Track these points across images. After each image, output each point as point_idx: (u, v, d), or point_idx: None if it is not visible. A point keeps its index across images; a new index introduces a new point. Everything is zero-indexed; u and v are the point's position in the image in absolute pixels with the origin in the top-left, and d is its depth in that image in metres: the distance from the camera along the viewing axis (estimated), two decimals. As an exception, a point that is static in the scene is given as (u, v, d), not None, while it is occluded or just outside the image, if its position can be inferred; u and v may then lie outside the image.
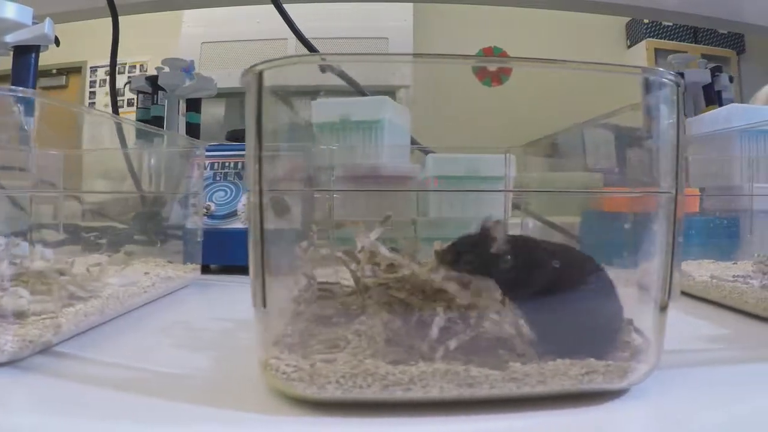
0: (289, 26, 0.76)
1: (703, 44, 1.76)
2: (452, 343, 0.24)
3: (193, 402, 0.24)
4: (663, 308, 0.26)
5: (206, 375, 0.27)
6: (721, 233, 0.62)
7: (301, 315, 0.28)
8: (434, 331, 0.24)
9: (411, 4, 1.78)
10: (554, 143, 0.52)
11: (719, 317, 0.41)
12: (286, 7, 1.69)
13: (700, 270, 0.53)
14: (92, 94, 1.83)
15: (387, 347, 0.24)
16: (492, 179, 0.53)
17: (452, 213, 0.56)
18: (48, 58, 2.04)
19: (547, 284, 0.25)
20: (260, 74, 0.25)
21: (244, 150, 0.63)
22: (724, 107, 0.72)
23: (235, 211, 0.66)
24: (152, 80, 1.04)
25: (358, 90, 0.72)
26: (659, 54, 1.75)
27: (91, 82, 1.83)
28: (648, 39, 1.76)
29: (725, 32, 1.72)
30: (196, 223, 0.65)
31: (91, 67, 1.84)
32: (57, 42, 0.83)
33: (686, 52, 1.76)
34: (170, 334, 0.39)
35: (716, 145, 0.74)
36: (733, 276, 0.44)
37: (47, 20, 0.77)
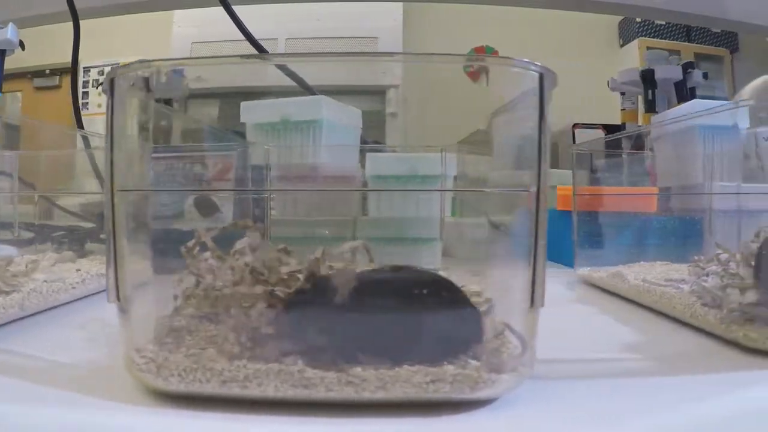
0: (237, 25, 0.76)
1: (696, 43, 1.74)
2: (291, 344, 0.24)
3: (67, 389, 0.25)
4: (529, 315, 0.25)
5: (93, 366, 0.28)
6: (680, 233, 0.60)
7: (180, 311, 0.28)
8: (272, 330, 0.24)
9: (401, 4, 1.78)
10: (486, 141, 0.51)
11: (646, 324, 0.39)
12: (278, 7, 1.70)
13: (652, 271, 0.52)
14: (85, 94, 1.84)
15: (230, 344, 0.23)
16: (430, 178, 0.53)
17: (391, 213, 0.56)
18: (41, 58, 2.07)
19: (384, 294, 0.24)
20: (112, 81, 0.25)
21: (192, 152, 0.63)
22: (687, 103, 0.71)
23: (183, 211, 0.66)
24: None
25: (306, 88, 0.71)
26: (651, 53, 1.73)
27: (84, 82, 1.85)
28: (640, 38, 1.74)
29: (718, 31, 1.70)
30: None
31: (84, 68, 1.86)
32: (22, 46, 0.83)
33: (679, 51, 1.74)
34: (87, 329, 0.39)
35: (678, 143, 0.73)
36: (666, 280, 0.42)
37: (10, 25, 0.77)
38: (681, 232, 0.60)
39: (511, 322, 0.26)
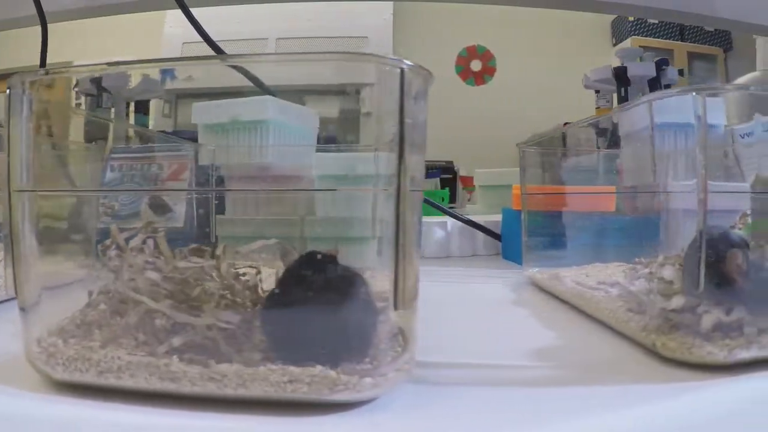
0: (194, 27, 0.76)
1: (690, 42, 1.72)
2: (176, 340, 0.24)
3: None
4: (395, 317, 0.24)
5: (10, 357, 0.29)
6: (641, 234, 0.59)
7: (93, 306, 0.28)
8: (157, 326, 0.24)
9: (391, 3, 1.78)
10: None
11: (573, 329, 0.36)
12: (270, 7, 1.70)
13: (601, 273, 0.51)
14: (77, 94, 1.85)
15: (117, 336, 0.24)
16: (367, 178, 0.52)
17: (334, 212, 0.55)
18: (35, 58, 2.07)
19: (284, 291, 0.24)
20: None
21: (149, 152, 0.63)
22: (660, 101, 0.69)
23: (138, 211, 0.66)
24: (97, 82, 1.05)
25: (264, 89, 0.72)
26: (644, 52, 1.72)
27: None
28: (633, 36, 1.72)
29: (712, 30, 1.68)
30: (106, 222, 0.65)
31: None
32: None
33: (672, 50, 1.72)
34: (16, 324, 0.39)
35: (639, 140, 0.72)
36: (599, 282, 0.41)
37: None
38: (642, 233, 0.58)
39: (383, 325, 0.25)
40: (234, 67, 0.32)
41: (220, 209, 0.56)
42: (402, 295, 0.24)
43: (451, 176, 1.63)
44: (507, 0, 1.42)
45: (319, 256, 0.25)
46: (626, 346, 0.31)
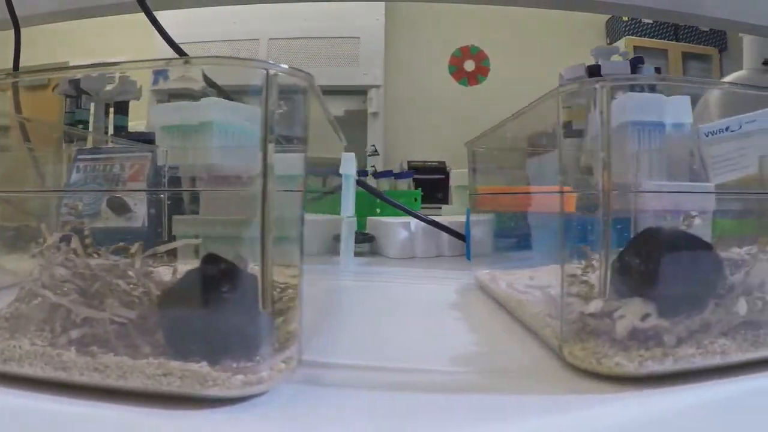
0: (157, 29, 0.76)
1: (685, 42, 1.70)
2: (74, 333, 0.25)
3: None
4: (264, 317, 0.24)
5: None
6: (599, 235, 0.58)
7: (21, 300, 0.29)
8: (56, 319, 0.25)
9: (383, 4, 1.77)
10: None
11: (499, 333, 0.35)
12: (262, 7, 1.70)
13: (542, 276, 0.49)
14: (73, 94, 1.86)
15: (22, 327, 0.26)
16: (291, 177, 0.52)
17: (288, 213, 0.55)
18: (30, 58, 2.09)
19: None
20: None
21: (113, 153, 0.64)
22: (620, 98, 0.68)
23: (99, 211, 0.66)
24: (76, 84, 1.05)
25: (221, 91, 0.72)
26: (638, 52, 1.70)
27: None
28: (627, 37, 1.71)
29: (707, 30, 1.66)
30: (69, 222, 0.65)
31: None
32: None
33: (666, 49, 1.71)
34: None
35: (615, 140, 0.71)
36: (527, 285, 0.40)
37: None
38: (600, 234, 0.57)
39: (262, 324, 0.25)
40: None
41: (178, 209, 0.56)
42: (267, 295, 0.24)
43: (443, 176, 1.62)
44: (500, 0, 1.41)
45: (213, 257, 0.26)
46: (545, 354, 0.30)
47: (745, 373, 0.26)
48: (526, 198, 0.52)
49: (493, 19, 1.82)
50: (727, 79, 1.12)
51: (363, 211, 0.80)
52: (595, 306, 0.29)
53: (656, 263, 0.31)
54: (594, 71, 0.77)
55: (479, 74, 1.85)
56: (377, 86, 1.74)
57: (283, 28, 1.76)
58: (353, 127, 1.81)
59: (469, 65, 1.86)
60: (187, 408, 0.22)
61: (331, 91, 1.80)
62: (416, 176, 1.78)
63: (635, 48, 1.70)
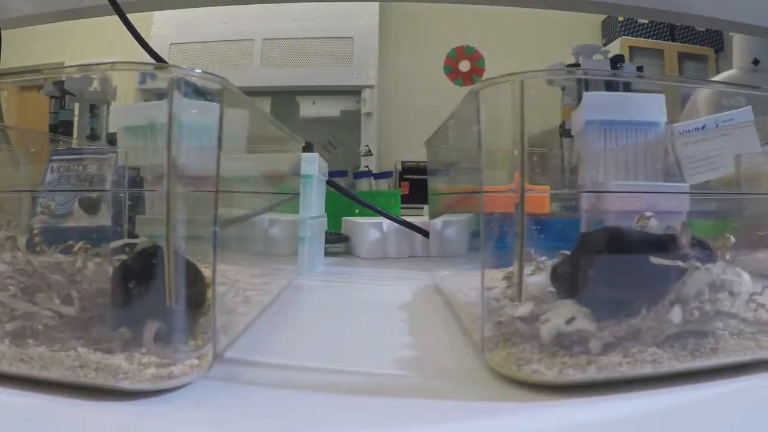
0: (131, 32, 0.76)
1: (681, 42, 1.68)
2: (9, 326, 0.25)
3: None
4: (171, 313, 0.24)
5: None
6: (572, 236, 0.57)
7: None
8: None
9: (377, 4, 1.77)
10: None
11: (437, 336, 0.34)
12: (256, 7, 1.70)
13: (491, 277, 0.48)
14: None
15: None
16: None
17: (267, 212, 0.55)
18: (25, 58, 2.11)
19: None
20: None
21: (86, 154, 0.64)
22: (588, 96, 0.68)
23: (71, 211, 0.66)
24: (60, 85, 1.05)
25: (199, 94, 0.73)
26: (634, 52, 1.68)
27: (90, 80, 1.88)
28: (623, 37, 1.69)
29: (703, 30, 1.64)
30: (42, 221, 0.65)
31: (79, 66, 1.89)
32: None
33: (662, 50, 1.69)
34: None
35: (581, 138, 0.71)
36: (470, 287, 0.39)
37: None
38: (569, 235, 0.56)
39: (177, 320, 0.25)
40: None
41: (136, 209, 0.57)
42: (173, 292, 0.24)
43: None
44: (494, 0, 1.41)
45: (136, 255, 0.27)
46: (476, 358, 0.29)
47: (685, 384, 0.25)
48: (470, 198, 0.51)
49: (489, 20, 1.80)
50: (717, 78, 1.11)
51: (342, 211, 0.79)
52: (524, 309, 0.29)
53: (586, 266, 0.30)
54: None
55: (474, 74, 1.84)
56: (371, 86, 1.74)
57: (277, 28, 1.76)
58: (348, 128, 1.81)
59: (465, 65, 1.85)
60: (108, 399, 0.22)
61: (324, 92, 1.80)
62: (410, 176, 1.77)
63: (631, 48, 1.68)
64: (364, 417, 0.22)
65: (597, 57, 0.81)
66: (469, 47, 1.86)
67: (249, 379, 0.26)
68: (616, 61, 0.79)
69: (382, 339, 0.35)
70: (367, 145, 1.71)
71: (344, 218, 0.77)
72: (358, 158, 1.72)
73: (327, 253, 0.73)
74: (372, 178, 1.04)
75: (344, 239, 0.73)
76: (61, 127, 1.03)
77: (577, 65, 0.76)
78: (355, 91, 1.76)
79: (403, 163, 1.75)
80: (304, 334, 0.36)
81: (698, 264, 0.26)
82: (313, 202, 0.56)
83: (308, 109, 1.88)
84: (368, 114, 1.74)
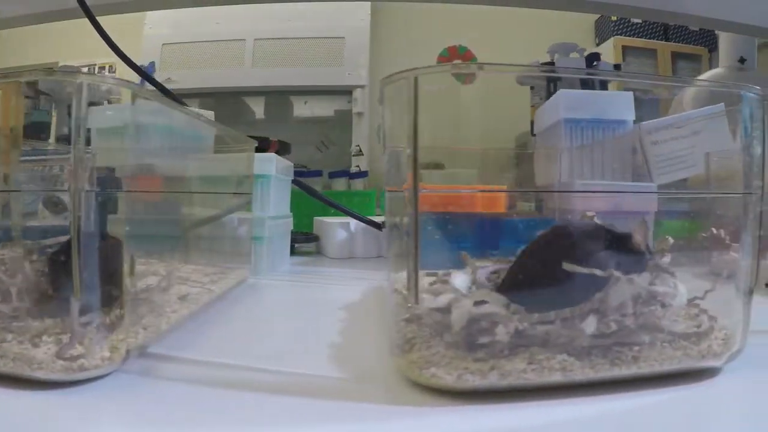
0: (99, 32, 0.75)
1: (674, 42, 1.66)
2: None
3: None
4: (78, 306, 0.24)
5: None
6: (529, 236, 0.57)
7: None
8: None
9: (368, 4, 1.76)
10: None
11: (367, 337, 0.35)
12: (248, 7, 1.70)
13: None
14: (62, 94, 1.88)
15: None
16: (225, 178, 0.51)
17: (215, 212, 0.55)
18: (20, 58, 2.12)
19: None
20: None
21: (53, 155, 0.65)
22: (556, 95, 0.67)
23: (36, 210, 0.66)
24: (34, 86, 1.05)
25: (174, 98, 0.74)
26: (627, 52, 1.67)
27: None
28: (616, 36, 1.67)
29: (697, 29, 1.62)
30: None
31: (62, 67, 1.90)
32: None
33: (655, 49, 1.67)
34: None
35: (548, 138, 0.70)
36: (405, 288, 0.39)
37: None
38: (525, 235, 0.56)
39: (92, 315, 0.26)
40: None
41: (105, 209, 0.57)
42: (82, 286, 0.25)
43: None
44: (487, 0, 1.40)
45: (57, 251, 0.27)
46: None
47: (607, 394, 0.24)
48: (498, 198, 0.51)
49: (481, 20, 1.80)
50: (703, 77, 1.09)
51: (317, 211, 0.79)
52: (441, 300, 0.28)
53: (514, 267, 0.29)
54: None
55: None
56: (362, 86, 1.73)
57: (268, 28, 1.76)
58: (342, 128, 1.80)
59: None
60: (27, 389, 0.23)
61: (316, 92, 1.79)
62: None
63: (624, 48, 1.67)
64: (256, 414, 0.22)
65: (574, 55, 0.80)
66: (462, 47, 1.85)
67: (165, 374, 0.27)
68: (592, 59, 0.78)
69: (311, 339, 0.34)
70: (358, 145, 1.70)
71: (315, 218, 0.77)
72: (350, 158, 1.72)
73: (298, 253, 0.73)
74: (348, 178, 1.03)
75: (314, 239, 0.73)
76: (33, 128, 1.03)
77: (551, 64, 0.75)
78: (346, 91, 1.75)
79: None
80: (236, 333, 0.36)
81: (619, 274, 0.25)
82: (271, 202, 0.55)
83: (302, 108, 1.87)
84: (359, 114, 1.74)
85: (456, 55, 1.85)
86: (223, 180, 0.52)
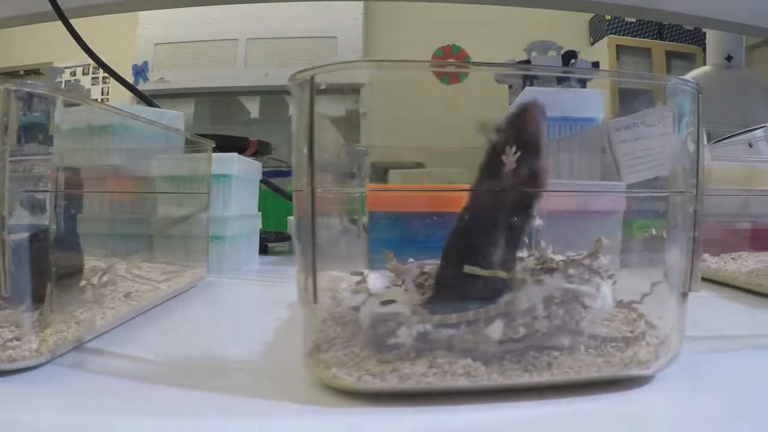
0: (72, 35, 0.75)
1: (668, 41, 1.65)
2: None
3: None
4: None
5: None
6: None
7: None
8: None
9: (361, 3, 1.76)
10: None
11: (297, 336, 0.36)
12: (241, 8, 1.69)
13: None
14: (56, 94, 1.88)
15: None
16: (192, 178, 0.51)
17: (169, 212, 0.55)
18: (15, 59, 2.12)
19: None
20: None
21: (32, 156, 0.66)
22: (521, 93, 0.66)
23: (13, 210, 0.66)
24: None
25: (148, 102, 0.74)
26: (621, 50, 1.66)
27: (57, 83, 1.89)
28: (610, 36, 1.66)
29: (691, 29, 1.61)
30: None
31: (56, 69, 1.90)
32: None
33: (650, 48, 1.66)
34: None
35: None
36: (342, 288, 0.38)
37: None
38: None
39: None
40: None
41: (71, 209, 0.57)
42: (6, 282, 0.26)
43: (422, 178, 1.59)
44: (479, -1, 1.38)
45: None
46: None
47: (518, 401, 0.23)
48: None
49: (475, 19, 1.79)
50: (689, 75, 1.08)
51: (291, 211, 0.78)
52: (357, 299, 0.27)
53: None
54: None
55: (461, 74, 1.82)
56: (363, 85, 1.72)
57: (261, 28, 1.76)
58: (354, 127, 1.80)
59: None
60: None
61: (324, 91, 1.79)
62: (393, 177, 1.76)
63: (618, 47, 1.66)
64: (163, 406, 0.23)
65: (551, 53, 0.79)
66: (456, 46, 1.84)
67: (96, 368, 0.28)
68: (569, 57, 0.77)
69: (245, 337, 0.34)
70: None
71: (288, 218, 0.76)
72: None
73: (272, 253, 0.72)
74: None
75: (286, 238, 0.72)
76: (26, 130, 1.03)
77: (527, 63, 0.74)
78: (354, 90, 1.75)
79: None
80: (172, 330, 0.36)
81: (525, 276, 0.24)
82: (233, 202, 0.55)
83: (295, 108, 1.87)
84: (363, 114, 1.73)
85: (450, 54, 1.84)
86: (177, 180, 0.52)
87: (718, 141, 0.68)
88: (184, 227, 0.51)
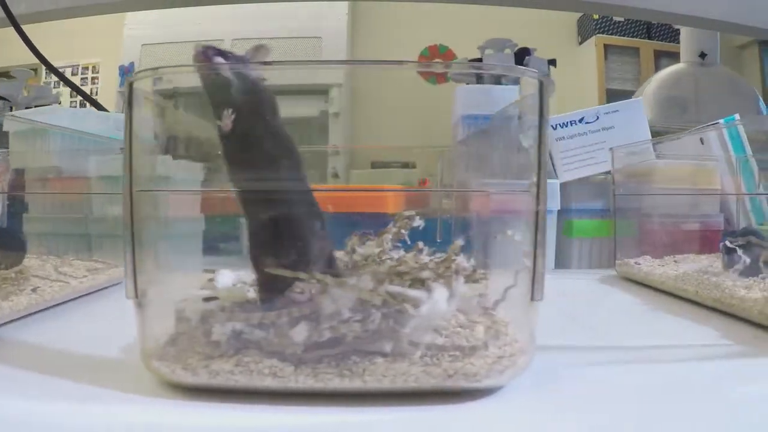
0: (22, 38, 0.75)
1: (657, 40, 1.62)
2: None
3: None
4: None
5: None
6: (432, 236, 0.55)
7: None
8: None
9: (346, 3, 1.75)
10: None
11: None
12: (228, 9, 1.69)
13: None
14: (48, 95, 1.89)
15: None
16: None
17: (113, 211, 0.56)
18: (6, 60, 2.14)
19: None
20: None
21: None
22: (456, 91, 0.65)
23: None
24: None
25: (90, 102, 0.75)
26: (609, 50, 1.63)
27: (45, 83, 1.90)
28: (598, 35, 1.64)
29: (679, 28, 1.57)
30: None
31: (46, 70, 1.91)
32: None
33: (638, 48, 1.63)
34: None
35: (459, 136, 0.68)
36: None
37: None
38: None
39: None
40: None
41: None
42: None
43: (408, 179, 1.58)
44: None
45: None
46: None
47: (341, 405, 0.22)
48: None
49: (462, 19, 1.77)
50: (663, 72, 1.06)
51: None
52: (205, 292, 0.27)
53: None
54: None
55: (448, 74, 1.81)
56: (339, 85, 1.71)
57: (246, 28, 1.75)
58: (323, 128, 1.79)
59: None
60: None
61: (291, 92, 1.78)
62: (379, 178, 1.75)
63: (606, 46, 1.63)
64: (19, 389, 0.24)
65: (507, 51, 0.77)
66: (443, 46, 1.83)
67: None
68: (523, 54, 0.75)
69: (126, 328, 0.34)
70: (334, 145, 1.69)
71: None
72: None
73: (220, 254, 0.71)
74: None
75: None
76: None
77: (479, 60, 0.73)
78: (322, 91, 1.74)
79: (372, 163, 1.72)
80: (66, 323, 0.37)
81: (328, 279, 0.23)
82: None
83: (284, 108, 1.86)
84: (336, 114, 1.72)
85: (437, 54, 1.83)
86: (113, 180, 0.52)
87: (667, 135, 0.65)
88: (114, 227, 0.51)
